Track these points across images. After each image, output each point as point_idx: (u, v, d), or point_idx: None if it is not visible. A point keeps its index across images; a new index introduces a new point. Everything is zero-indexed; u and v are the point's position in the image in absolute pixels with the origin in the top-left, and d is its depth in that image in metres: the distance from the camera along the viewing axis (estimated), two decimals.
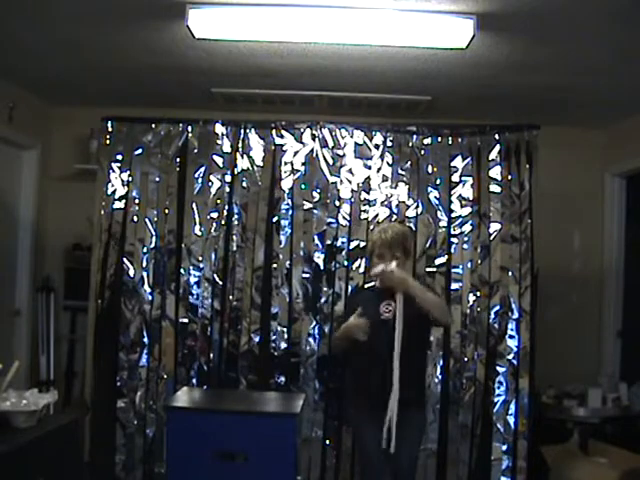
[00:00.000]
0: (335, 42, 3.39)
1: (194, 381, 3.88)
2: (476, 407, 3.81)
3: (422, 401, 3.40)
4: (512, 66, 3.71)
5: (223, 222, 3.95)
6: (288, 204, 3.94)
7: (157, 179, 3.99)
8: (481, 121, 4.10)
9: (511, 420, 3.75)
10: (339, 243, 3.90)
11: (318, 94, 4.42)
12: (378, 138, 3.97)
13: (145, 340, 3.90)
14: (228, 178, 3.97)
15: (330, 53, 3.62)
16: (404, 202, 3.93)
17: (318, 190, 3.95)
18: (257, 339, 3.88)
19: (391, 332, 3.06)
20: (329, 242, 3.91)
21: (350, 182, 3.95)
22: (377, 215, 3.93)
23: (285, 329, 3.87)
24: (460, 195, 3.92)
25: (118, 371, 3.88)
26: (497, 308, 3.81)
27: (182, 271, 3.92)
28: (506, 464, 3.75)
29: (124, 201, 3.97)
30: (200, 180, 3.97)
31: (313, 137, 3.97)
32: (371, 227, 3.90)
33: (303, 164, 3.96)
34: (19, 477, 2.47)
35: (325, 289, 3.89)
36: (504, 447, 3.75)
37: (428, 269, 3.86)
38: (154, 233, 3.95)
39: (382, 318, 3.11)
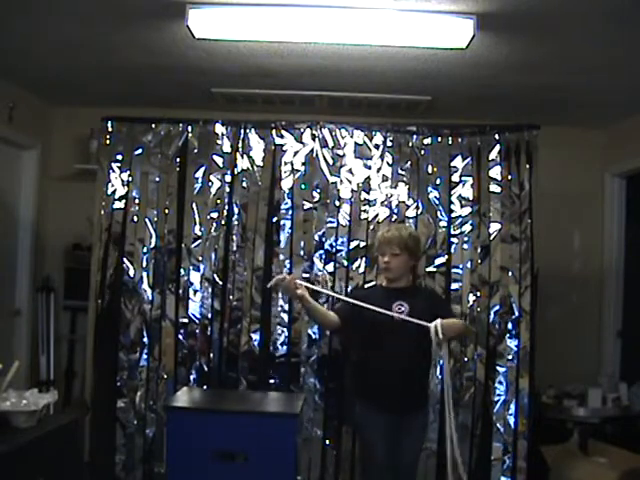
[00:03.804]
0: (335, 42, 3.39)
1: (194, 381, 3.88)
2: (476, 407, 3.81)
3: (426, 401, 3.42)
4: (512, 66, 3.71)
5: (223, 222, 3.95)
6: (288, 204, 3.94)
7: (157, 179, 3.98)
8: (481, 121, 4.10)
9: (511, 420, 3.75)
10: (339, 243, 3.90)
11: (318, 94, 4.42)
12: (378, 138, 3.97)
13: (145, 340, 3.90)
14: (228, 178, 3.97)
15: (330, 53, 3.62)
16: (404, 202, 3.93)
17: (318, 190, 3.95)
18: (257, 339, 3.88)
19: (404, 332, 3.09)
20: (329, 242, 3.91)
21: (350, 182, 3.95)
22: (377, 215, 3.93)
23: (285, 329, 3.87)
24: (460, 195, 3.92)
25: (118, 371, 3.87)
26: (497, 308, 3.81)
27: (182, 271, 3.91)
28: (506, 464, 3.75)
29: (124, 201, 3.97)
30: (200, 180, 3.96)
31: (313, 137, 3.97)
32: (371, 227, 3.91)
33: (303, 164, 3.96)
34: (19, 477, 2.48)
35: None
36: (504, 447, 3.75)
37: (428, 269, 3.86)
38: (154, 233, 3.95)
39: (395, 319, 3.13)
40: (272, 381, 3.85)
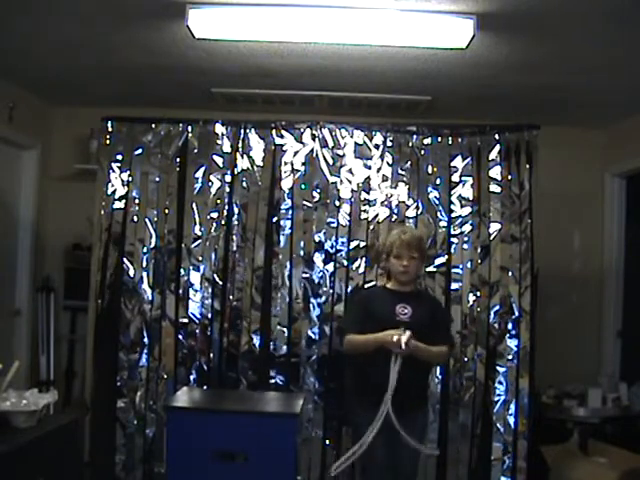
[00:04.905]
0: (335, 42, 3.39)
1: (194, 381, 3.88)
2: (476, 407, 3.80)
3: (425, 401, 3.42)
4: (512, 66, 3.71)
5: (223, 222, 3.95)
6: (288, 204, 3.94)
7: (157, 179, 3.98)
8: (481, 121, 4.10)
9: (511, 420, 3.75)
10: (339, 243, 3.90)
11: (318, 94, 4.42)
12: (378, 138, 3.97)
13: (145, 340, 3.89)
14: (228, 178, 3.96)
15: (330, 53, 3.62)
16: (404, 202, 3.93)
17: (318, 190, 3.94)
18: (257, 339, 3.87)
19: None
20: (329, 242, 3.91)
21: (350, 182, 3.95)
22: (377, 215, 3.93)
23: (285, 329, 3.87)
24: (460, 195, 3.92)
25: (118, 371, 3.87)
26: (497, 308, 3.81)
27: (182, 271, 3.91)
28: (506, 464, 3.75)
29: (124, 201, 3.97)
30: (200, 180, 3.96)
31: (313, 137, 3.97)
32: (371, 227, 3.91)
33: (303, 164, 3.96)
34: (19, 477, 2.48)
35: (325, 289, 3.89)
36: (504, 447, 3.75)
37: (428, 269, 3.86)
38: (154, 233, 3.94)
39: (397, 319, 3.14)
40: (272, 381, 3.85)
